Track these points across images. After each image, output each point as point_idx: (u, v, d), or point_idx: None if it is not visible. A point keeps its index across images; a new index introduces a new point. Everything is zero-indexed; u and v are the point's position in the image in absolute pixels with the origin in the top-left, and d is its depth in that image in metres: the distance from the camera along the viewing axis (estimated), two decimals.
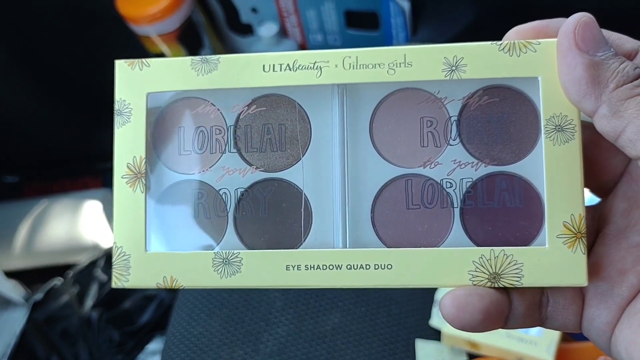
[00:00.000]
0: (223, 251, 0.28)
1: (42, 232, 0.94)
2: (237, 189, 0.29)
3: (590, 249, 0.28)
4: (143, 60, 0.29)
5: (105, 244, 0.91)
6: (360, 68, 0.28)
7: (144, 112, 0.29)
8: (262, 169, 0.29)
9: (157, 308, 0.84)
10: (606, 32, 0.26)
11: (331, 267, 0.27)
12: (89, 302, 0.83)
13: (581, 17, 0.25)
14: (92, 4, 0.84)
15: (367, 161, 0.28)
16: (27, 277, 0.90)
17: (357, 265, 0.27)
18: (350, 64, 0.28)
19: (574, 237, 0.26)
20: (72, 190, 1.00)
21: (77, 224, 0.93)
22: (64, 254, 0.93)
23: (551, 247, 0.26)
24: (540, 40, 0.27)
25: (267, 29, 0.84)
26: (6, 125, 0.96)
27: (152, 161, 0.29)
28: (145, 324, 0.83)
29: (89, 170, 1.04)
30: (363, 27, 0.81)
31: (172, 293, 0.85)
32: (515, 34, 0.28)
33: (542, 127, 0.27)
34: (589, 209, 0.29)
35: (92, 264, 0.86)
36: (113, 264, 0.28)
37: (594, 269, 0.27)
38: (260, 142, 0.29)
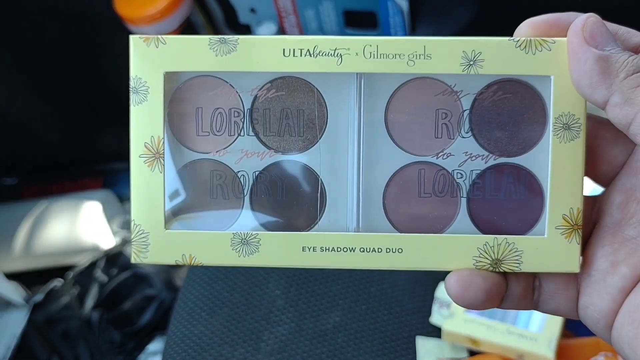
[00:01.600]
0: (242, 232, 0.29)
1: (42, 233, 0.94)
2: (254, 172, 0.29)
3: (587, 239, 0.29)
4: (159, 36, 0.29)
5: (105, 245, 0.91)
6: (380, 57, 0.28)
7: (161, 91, 0.29)
8: (280, 152, 0.29)
9: (158, 308, 0.84)
10: (614, 26, 0.27)
11: (345, 249, 0.28)
12: (89, 303, 0.83)
13: (588, 17, 0.26)
14: (91, 4, 0.84)
15: (381, 148, 0.29)
16: (27, 279, 0.90)
17: (369, 249, 0.28)
18: (371, 53, 0.28)
19: (571, 228, 0.28)
20: (72, 192, 1.00)
21: (77, 225, 0.93)
22: (64, 255, 0.93)
23: (550, 236, 0.28)
24: (555, 39, 0.28)
25: (266, 29, 0.84)
26: (5, 127, 0.96)
27: (170, 141, 0.29)
28: (145, 325, 0.83)
29: (89, 172, 1.04)
30: (362, 26, 0.81)
31: (173, 293, 0.85)
32: (528, 26, 0.28)
33: (551, 125, 0.28)
34: (589, 199, 0.29)
35: (92, 265, 0.86)
36: (132, 240, 0.29)
37: (588, 259, 0.28)
38: (279, 127, 0.29)
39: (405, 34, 0.79)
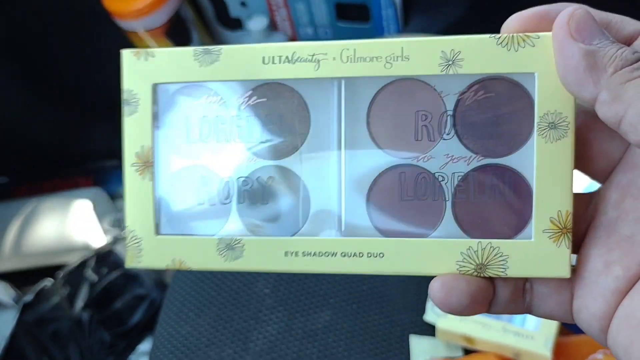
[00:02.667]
0: (226, 237, 0.29)
1: (32, 232, 0.93)
2: (239, 178, 0.30)
3: (582, 239, 0.27)
4: (148, 50, 0.30)
5: (96, 244, 0.90)
6: (358, 61, 0.28)
7: (150, 102, 0.30)
8: (264, 158, 0.30)
9: (148, 308, 0.84)
10: (606, 15, 0.26)
11: (327, 254, 0.28)
12: (80, 303, 0.83)
13: (574, 9, 0.25)
14: (79, 0, 0.83)
15: (363, 151, 0.29)
16: (17, 279, 0.90)
17: (351, 253, 0.28)
18: (348, 57, 0.28)
19: (559, 232, 0.27)
20: (62, 190, 0.99)
21: (67, 224, 0.92)
22: (54, 254, 0.92)
23: (537, 240, 0.27)
24: (539, 34, 0.26)
25: (257, 23, 0.83)
26: None
27: (160, 150, 0.30)
28: (136, 325, 0.83)
29: (79, 170, 1.03)
30: (354, 19, 0.80)
31: (163, 293, 0.84)
32: (516, 20, 0.27)
33: (536, 125, 0.27)
34: (584, 197, 0.28)
35: (83, 265, 0.85)
36: (126, 246, 0.30)
37: (582, 259, 0.27)
38: (263, 133, 0.30)
39: (397, 27, 0.78)
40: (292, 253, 0.29)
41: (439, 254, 0.27)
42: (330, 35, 0.82)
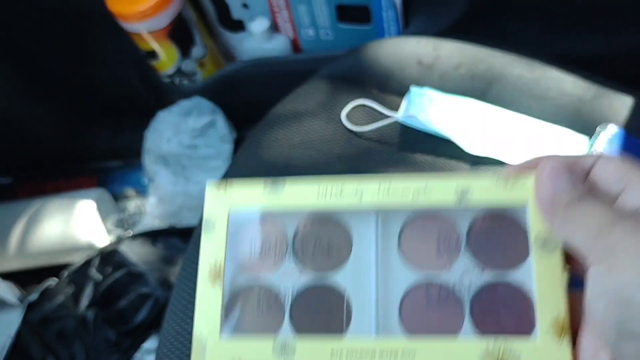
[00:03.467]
0: (282, 339, 0.34)
1: (36, 232, 0.93)
2: (293, 290, 0.35)
3: (575, 337, 0.32)
4: (227, 182, 0.36)
5: (100, 243, 0.91)
6: (392, 196, 0.35)
7: (225, 225, 0.36)
8: (314, 271, 0.35)
9: (153, 307, 0.84)
10: (574, 157, 0.31)
11: (367, 352, 0.34)
12: (84, 301, 0.83)
13: (551, 162, 0.31)
14: (83, 2, 0.84)
15: (396, 269, 0.35)
16: (22, 278, 0.90)
17: (387, 352, 0.33)
18: (384, 190, 0.35)
19: (559, 332, 0.32)
20: (66, 190, 0.99)
21: (71, 224, 0.92)
22: (59, 254, 0.93)
23: (542, 339, 0.32)
24: (529, 175, 0.34)
25: (259, 25, 0.84)
26: None
27: (229, 265, 0.36)
28: (141, 323, 0.83)
29: (83, 170, 1.03)
30: (355, 20, 0.81)
31: (168, 291, 0.85)
32: (512, 170, 0.34)
33: (532, 245, 0.33)
34: (578, 295, 0.31)
35: (87, 264, 0.86)
36: (193, 346, 0.35)
37: (578, 348, 0.32)
38: (314, 254, 0.36)
39: (398, 28, 0.79)
40: (338, 352, 0.34)
41: (462, 352, 0.33)
42: (332, 37, 0.83)
